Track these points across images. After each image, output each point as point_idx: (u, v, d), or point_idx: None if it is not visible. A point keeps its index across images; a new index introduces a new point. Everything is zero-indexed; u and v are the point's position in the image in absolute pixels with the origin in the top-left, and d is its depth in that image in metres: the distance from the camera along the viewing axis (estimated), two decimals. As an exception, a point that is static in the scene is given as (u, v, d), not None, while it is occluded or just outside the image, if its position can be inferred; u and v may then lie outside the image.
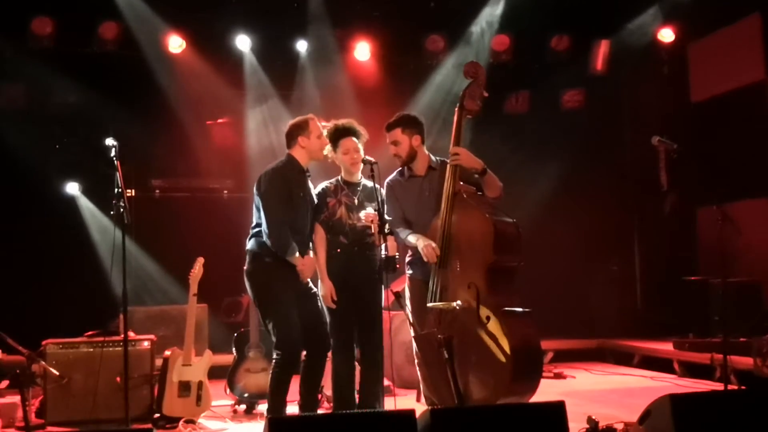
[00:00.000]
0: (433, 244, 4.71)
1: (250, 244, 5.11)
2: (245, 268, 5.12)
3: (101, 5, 8.32)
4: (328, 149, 5.20)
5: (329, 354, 5.19)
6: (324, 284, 5.10)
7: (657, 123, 8.43)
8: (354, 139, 5.17)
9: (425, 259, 4.76)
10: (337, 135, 5.18)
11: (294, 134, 5.15)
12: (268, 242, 4.94)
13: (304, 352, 5.08)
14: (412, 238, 4.89)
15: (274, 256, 4.96)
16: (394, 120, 5.06)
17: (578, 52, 9.49)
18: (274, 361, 5.01)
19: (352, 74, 9.30)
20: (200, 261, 5.98)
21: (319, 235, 5.17)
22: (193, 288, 5.94)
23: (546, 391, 4.69)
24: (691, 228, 9.25)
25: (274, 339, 5.00)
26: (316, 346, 5.10)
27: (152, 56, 8.63)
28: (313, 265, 5.08)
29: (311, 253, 5.15)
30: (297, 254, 4.96)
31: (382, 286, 5.09)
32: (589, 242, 9.43)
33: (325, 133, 5.18)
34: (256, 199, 5.09)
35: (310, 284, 5.13)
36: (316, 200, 5.20)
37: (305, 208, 5.11)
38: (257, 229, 5.06)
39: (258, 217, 5.07)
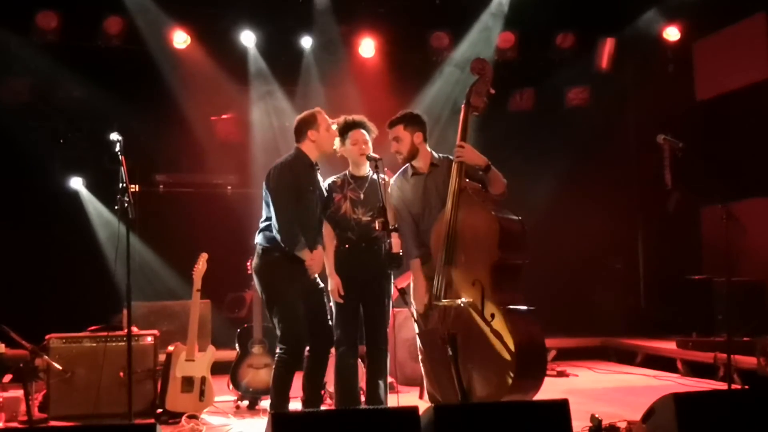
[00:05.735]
0: (425, 299, 4.78)
1: (258, 238, 5.10)
2: (253, 262, 5.12)
3: (106, 0, 8.32)
4: (337, 142, 5.19)
5: (332, 350, 5.18)
6: (332, 279, 5.10)
7: (662, 121, 8.38)
8: (363, 131, 5.17)
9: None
10: (347, 127, 5.18)
11: (303, 129, 5.13)
12: (278, 237, 4.93)
13: (308, 348, 5.08)
14: (411, 265, 4.93)
15: (283, 251, 4.94)
16: (396, 117, 5.06)
17: (583, 49, 9.48)
18: (277, 356, 5.00)
19: (356, 70, 9.28)
20: (204, 256, 5.98)
21: (327, 230, 5.18)
22: (197, 283, 5.95)
23: (549, 389, 4.67)
24: (695, 227, 9.23)
25: (278, 333, 5.01)
26: (320, 342, 5.09)
27: (157, 51, 8.63)
28: (321, 260, 5.07)
29: (320, 247, 5.14)
30: (306, 249, 4.95)
31: (391, 283, 5.11)
32: (592, 240, 9.41)
33: (334, 127, 5.17)
34: (266, 194, 5.08)
35: (317, 279, 5.13)
36: (325, 194, 5.20)
37: (315, 202, 5.09)
38: (266, 224, 5.05)
39: (267, 211, 5.05)
